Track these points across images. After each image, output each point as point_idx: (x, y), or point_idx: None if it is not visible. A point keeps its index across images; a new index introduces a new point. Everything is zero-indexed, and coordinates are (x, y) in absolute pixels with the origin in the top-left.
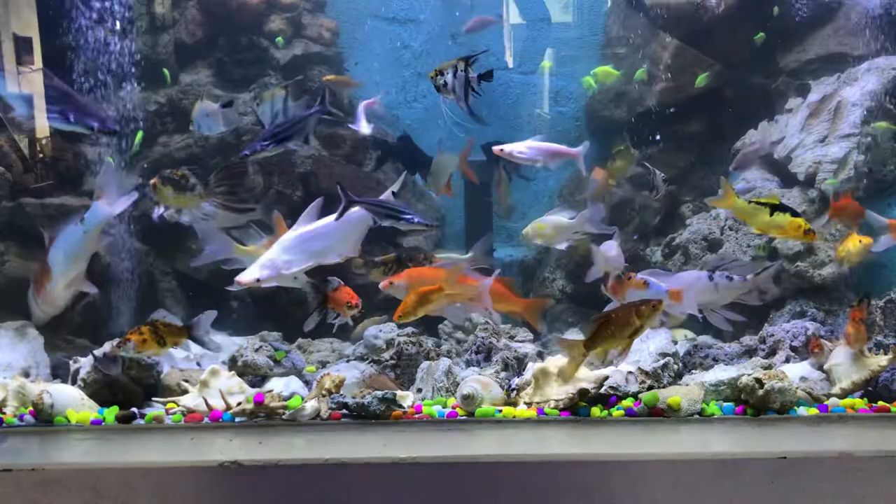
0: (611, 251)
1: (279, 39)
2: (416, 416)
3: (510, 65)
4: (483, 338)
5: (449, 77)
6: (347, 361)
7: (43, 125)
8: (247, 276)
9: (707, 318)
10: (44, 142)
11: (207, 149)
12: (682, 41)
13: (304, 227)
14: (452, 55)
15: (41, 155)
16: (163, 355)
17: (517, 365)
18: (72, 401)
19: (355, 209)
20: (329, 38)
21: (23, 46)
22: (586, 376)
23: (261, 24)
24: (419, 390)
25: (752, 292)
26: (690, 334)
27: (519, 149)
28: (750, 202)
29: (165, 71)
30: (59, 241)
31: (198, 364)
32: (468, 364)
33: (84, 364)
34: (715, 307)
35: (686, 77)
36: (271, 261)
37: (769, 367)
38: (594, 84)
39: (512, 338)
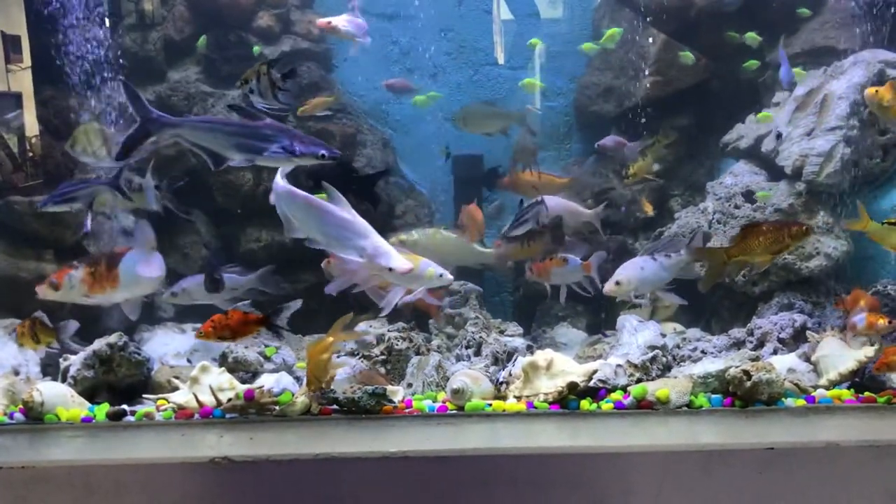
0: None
1: (256, 49)
2: (407, 410)
3: (500, 61)
4: (473, 332)
5: (254, 84)
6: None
7: (32, 123)
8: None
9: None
10: (33, 140)
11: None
12: (670, 35)
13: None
14: (441, 51)
15: (30, 154)
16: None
17: (507, 359)
18: (62, 398)
19: None
20: (317, 35)
21: (11, 45)
22: (576, 369)
23: (249, 20)
24: (409, 385)
25: (689, 264)
26: (679, 327)
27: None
28: (884, 223)
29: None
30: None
31: (188, 361)
32: (458, 359)
33: (74, 362)
34: (663, 286)
35: (674, 71)
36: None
37: (757, 359)
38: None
39: (502, 332)
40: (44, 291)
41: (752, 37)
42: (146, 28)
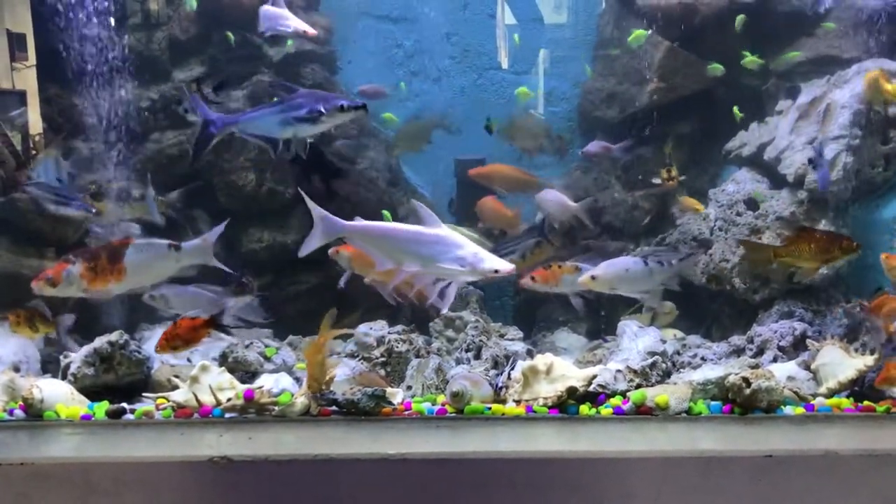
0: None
1: (229, 36)
2: (406, 412)
3: (504, 65)
4: (473, 336)
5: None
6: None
7: (36, 121)
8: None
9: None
10: (37, 139)
11: None
12: (674, 42)
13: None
14: (445, 54)
15: (34, 152)
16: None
17: (507, 363)
18: (62, 395)
19: None
20: (322, 37)
21: (17, 42)
22: (575, 374)
23: (253, 21)
24: (409, 387)
25: (673, 277)
26: (679, 334)
27: None
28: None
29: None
30: (145, 252)
31: (188, 360)
32: (458, 362)
33: (74, 359)
34: (647, 290)
35: (677, 78)
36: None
37: (757, 367)
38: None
39: (502, 336)
40: (40, 287)
41: (752, 60)
42: (151, 28)
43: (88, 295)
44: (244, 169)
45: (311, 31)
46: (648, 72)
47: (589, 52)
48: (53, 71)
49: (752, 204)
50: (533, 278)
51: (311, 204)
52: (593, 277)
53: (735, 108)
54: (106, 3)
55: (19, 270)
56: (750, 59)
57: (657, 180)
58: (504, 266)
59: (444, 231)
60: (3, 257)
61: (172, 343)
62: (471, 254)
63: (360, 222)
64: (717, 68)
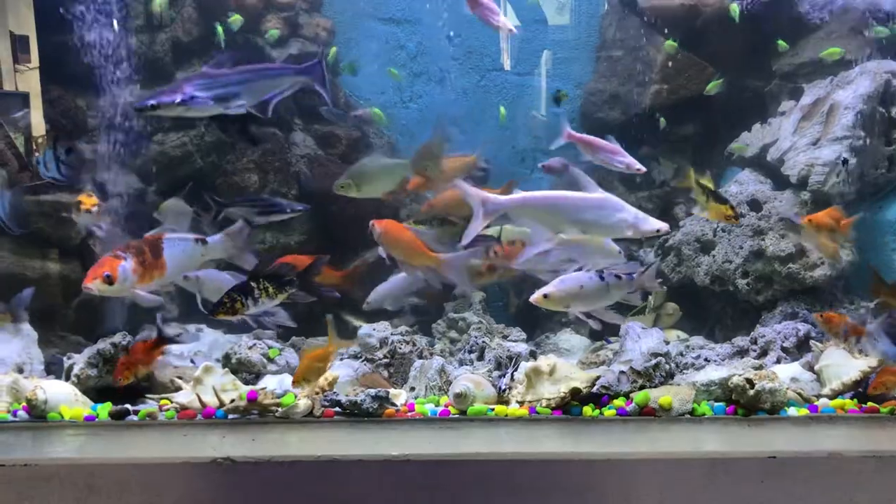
0: None
1: (272, 32)
2: (409, 414)
3: (507, 67)
4: (476, 337)
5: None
6: (341, 360)
7: (39, 123)
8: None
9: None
10: (39, 140)
11: (203, 147)
12: (678, 44)
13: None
14: (448, 56)
15: (37, 153)
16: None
17: (510, 364)
18: (65, 397)
19: None
20: (325, 38)
21: (20, 44)
22: (579, 375)
23: (257, 23)
24: (412, 389)
25: (636, 290)
26: (683, 335)
27: None
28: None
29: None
30: (177, 247)
31: (192, 361)
32: (461, 363)
33: (78, 360)
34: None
35: (680, 80)
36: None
37: (760, 368)
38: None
39: (505, 337)
40: (98, 287)
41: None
42: (154, 29)
43: (134, 293)
44: (247, 170)
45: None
46: (651, 73)
47: (591, 54)
48: (57, 73)
49: (755, 205)
50: (495, 252)
51: (466, 188)
52: (546, 296)
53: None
54: (110, 6)
55: (22, 272)
56: (781, 45)
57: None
58: (663, 226)
59: (605, 195)
60: (6, 258)
61: (132, 369)
62: (632, 215)
63: (520, 194)
64: (715, 85)
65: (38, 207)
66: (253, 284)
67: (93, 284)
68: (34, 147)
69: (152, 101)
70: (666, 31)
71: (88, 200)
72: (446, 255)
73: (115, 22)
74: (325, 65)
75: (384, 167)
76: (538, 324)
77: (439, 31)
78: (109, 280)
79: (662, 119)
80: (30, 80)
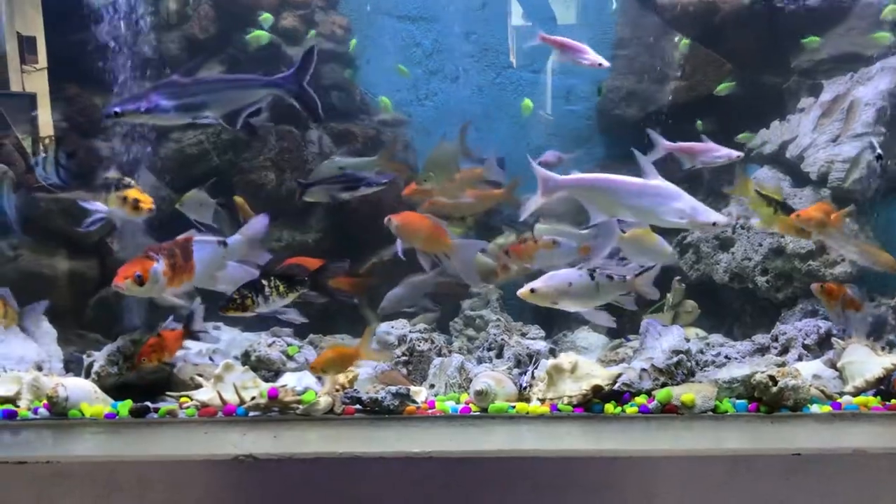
0: None
1: (265, 16)
2: (430, 411)
3: (514, 64)
4: (495, 335)
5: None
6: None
7: (46, 123)
8: (722, 216)
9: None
10: (46, 141)
11: (219, 145)
12: (694, 40)
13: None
14: (464, 53)
15: (44, 154)
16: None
17: (529, 361)
18: (86, 394)
19: None
20: (341, 36)
21: (27, 45)
22: (600, 373)
23: (274, 20)
24: (432, 386)
25: (630, 294)
26: (702, 332)
27: None
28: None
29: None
30: (203, 249)
31: (210, 359)
32: (480, 361)
33: (98, 358)
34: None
35: (698, 76)
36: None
37: (783, 365)
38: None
39: (524, 335)
40: (128, 287)
41: (812, 40)
42: (171, 27)
43: (163, 295)
44: (264, 168)
45: (605, 62)
46: (668, 70)
47: (608, 51)
48: (73, 71)
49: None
50: (507, 253)
51: (534, 166)
52: (532, 290)
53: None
54: (127, 4)
55: (40, 270)
56: (810, 40)
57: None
58: (720, 218)
59: (663, 182)
60: (25, 256)
61: (158, 354)
62: (689, 206)
63: (577, 175)
64: (726, 87)
65: (56, 205)
66: (264, 282)
67: (123, 284)
68: (41, 147)
69: (117, 108)
70: (683, 27)
71: (146, 198)
72: (459, 240)
73: (131, 20)
74: (302, 75)
75: (451, 153)
76: (555, 321)
77: (455, 29)
78: (140, 281)
79: (700, 122)
80: (37, 81)
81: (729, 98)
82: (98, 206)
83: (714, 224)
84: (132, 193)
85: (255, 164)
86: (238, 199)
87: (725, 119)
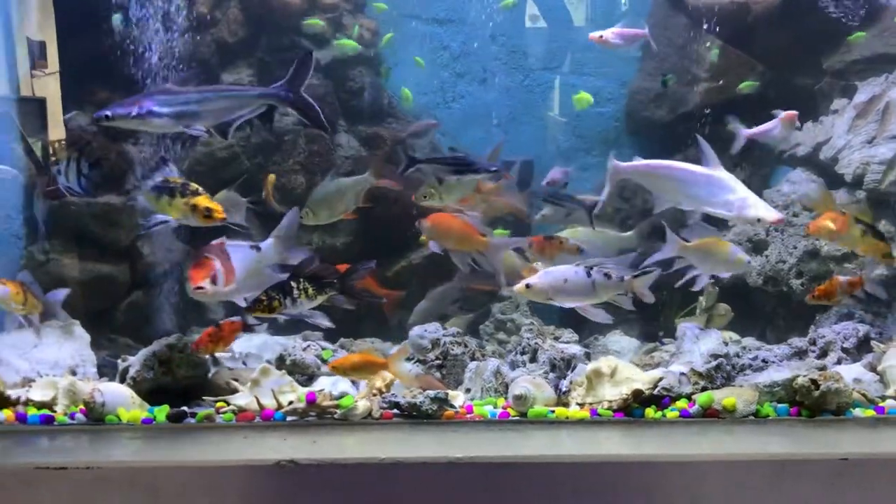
0: None
1: (313, 21)
2: (468, 416)
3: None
4: (528, 338)
5: (63, 166)
6: None
7: (57, 127)
8: (775, 213)
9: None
10: (56, 145)
11: (249, 148)
12: (725, 41)
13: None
14: (491, 56)
15: (53, 158)
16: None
17: (564, 366)
18: (123, 399)
19: None
20: (369, 39)
21: (37, 50)
22: (640, 377)
23: (302, 24)
24: (468, 390)
25: (627, 294)
26: (735, 336)
27: None
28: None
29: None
30: (238, 254)
31: (243, 363)
32: (513, 365)
33: (133, 363)
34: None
35: (729, 77)
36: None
37: (823, 369)
38: None
39: (557, 338)
40: (208, 287)
41: (858, 36)
42: (199, 30)
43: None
44: (293, 172)
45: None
46: (699, 71)
47: (635, 52)
48: (103, 76)
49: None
50: (530, 244)
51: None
52: (528, 286)
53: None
54: (155, 6)
55: (72, 274)
56: (856, 36)
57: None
58: (767, 215)
59: (722, 173)
60: (56, 260)
61: (214, 344)
62: (739, 199)
63: (642, 161)
64: (749, 85)
65: (88, 209)
66: (293, 284)
67: (205, 284)
68: (52, 151)
69: (108, 112)
70: (716, 28)
71: (217, 206)
72: (493, 239)
73: (161, 24)
74: (297, 83)
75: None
76: (586, 324)
77: (483, 31)
78: (214, 280)
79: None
80: (47, 86)
81: (760, 99)
82: (162, 217)
83: (758, 220)
84: (203, 202)
85: (285, 167)
86: (270, 178)
87: (756, 120)
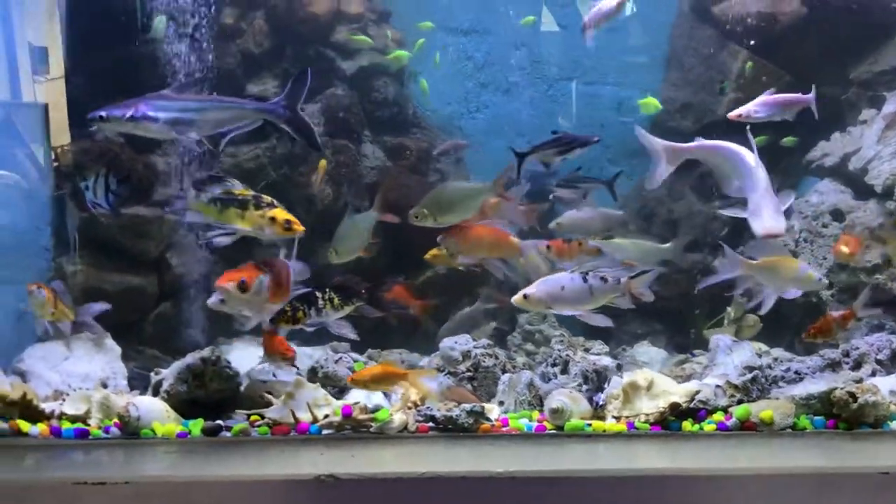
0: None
1: (362, 38)
2: (504, 429)
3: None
4: (559, 350)
5: (91, 182)
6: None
7: (60, 133)
8: (779, 224)
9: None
10: (58, 151)
11: (275, 159)
12: (752, 52)
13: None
14: (515, 66)
15: (55, 164)
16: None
17: (597, 378)
18: (157, 413)
19: None
20: (394, 50)
21: (38, 56)
22: (677, 390)
23: (327, 35)
24: (501, 403)
25: (624, 295)
26: (763, 347)
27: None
28: None
29: None
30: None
31: (273, 375)
32: (544, 377)
33: (167, 376)
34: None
35: (756, 87)
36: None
37: (860, 381)
38: None
39: (587, 350)
40: (230, 291)
41: None
42: (225, 40)
43: (257, 310)
44: (321, 181)
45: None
46: (725, 81)
47: (662, 62)
48: (128, 86)
49: (837, 215)
50: (548, 247)
51: (645, 135)
52: (525, 296)
53: None
54: (180, 17)
55: (100, 286)
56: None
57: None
58: (768, 228)
59: (755, 169)
60: (85, 272)
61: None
62: (756, 204)
63: (699, 142)
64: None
65: (117, 220)
66: (318, 294)
67: (228, 286)
68: (54, 157)
69: (102, 113)
70: (741, 38)
71: (294, 218)
72: (526, 241)
73: (187, 34)
74: (293, 100)
75: (462, 192)
76: (613, 335)
77: (507, 42)
78: (244, 287)
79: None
80: (50, 91)
81: None
82: (230, 227)
83: (758, 233)
84: (282, 214)
85: (311, 178)
86: (322, 163)
87: (783, 131)
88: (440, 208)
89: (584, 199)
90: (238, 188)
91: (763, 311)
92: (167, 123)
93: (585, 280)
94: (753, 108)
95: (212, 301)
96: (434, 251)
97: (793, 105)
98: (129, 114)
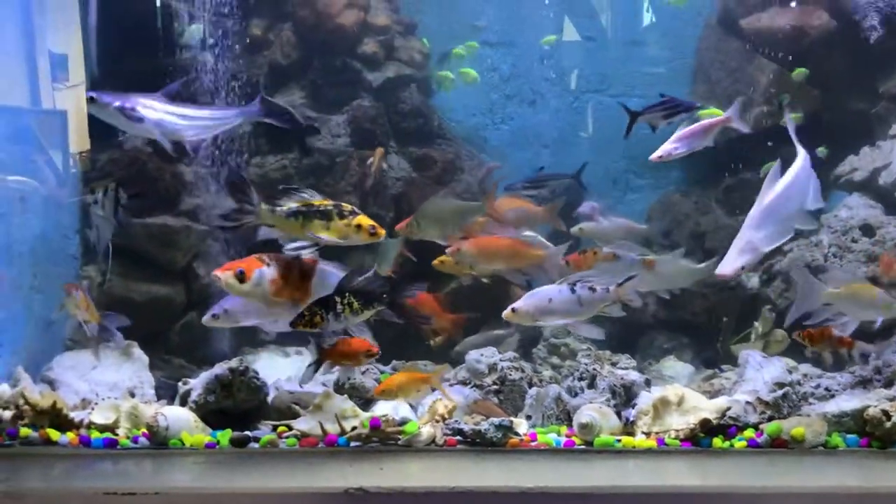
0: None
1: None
2: (533, 444)
3: None
4: (586, 364)
5: (100, 196)
6: (450, 386)
7: (80, 140)
8: (728, 266)
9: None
10: (76, 157)
11: (301, 170)
12: (780, 65)
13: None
14: (540, 78)
15: (74, 170)
16: None
17: (624, 393)
18: (186, 423)
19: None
20: (420, 61)
21: (58, 64)
22: (707, 406)
23: (354, 46)
24: (528, 417)
25: (614, 303)
26: (792, 363)
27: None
28: None
29: None
30: (325, 278)
31: (300, 386)
32: (571, 391)
33: (195, 386)
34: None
35: (804, 94)
36: (748, 242)
37: (894, 399)
38: None
39: (614, 364)
40: (227, 279)
41: None
42: (253, 51)
43: (265, 305)
44: (345, 193)
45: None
46: (752, 95)
47: (688, 75)
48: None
49: (867, 230)
50: (567, 263)
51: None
52: (514, 310)
53: None
54: (208, 28)
55: (128, 294)
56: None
57: None
58: (721, 272)
59: (773, 202)
60: (113, 281)
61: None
62: (743, 240)
63: None
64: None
65: (145, 230)
66: (337, 298)
67: (223, 275)
68: (73, 163)
69: (94, 95)
70: (769, 52)
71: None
72: (550, 248)
73: (215, 44)
74: (266, 100)
75: (452, 209)
76: (638, 350)
77: (533, 54)
78: (241, 278)
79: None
80: (69, 99)
81: (815, 124)
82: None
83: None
84: (366, 221)
85: (337, 188)
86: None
87: (813, 145)
88: (428, 223)
89: (552, 195)
90: (317, 198)
91: (846, 334)
92: (151, 124)
93: (573, 291)
94: (672, 147)
95: (206, 318)
96: (442, 258)
97: (713, 128)
98: (116, 103)
